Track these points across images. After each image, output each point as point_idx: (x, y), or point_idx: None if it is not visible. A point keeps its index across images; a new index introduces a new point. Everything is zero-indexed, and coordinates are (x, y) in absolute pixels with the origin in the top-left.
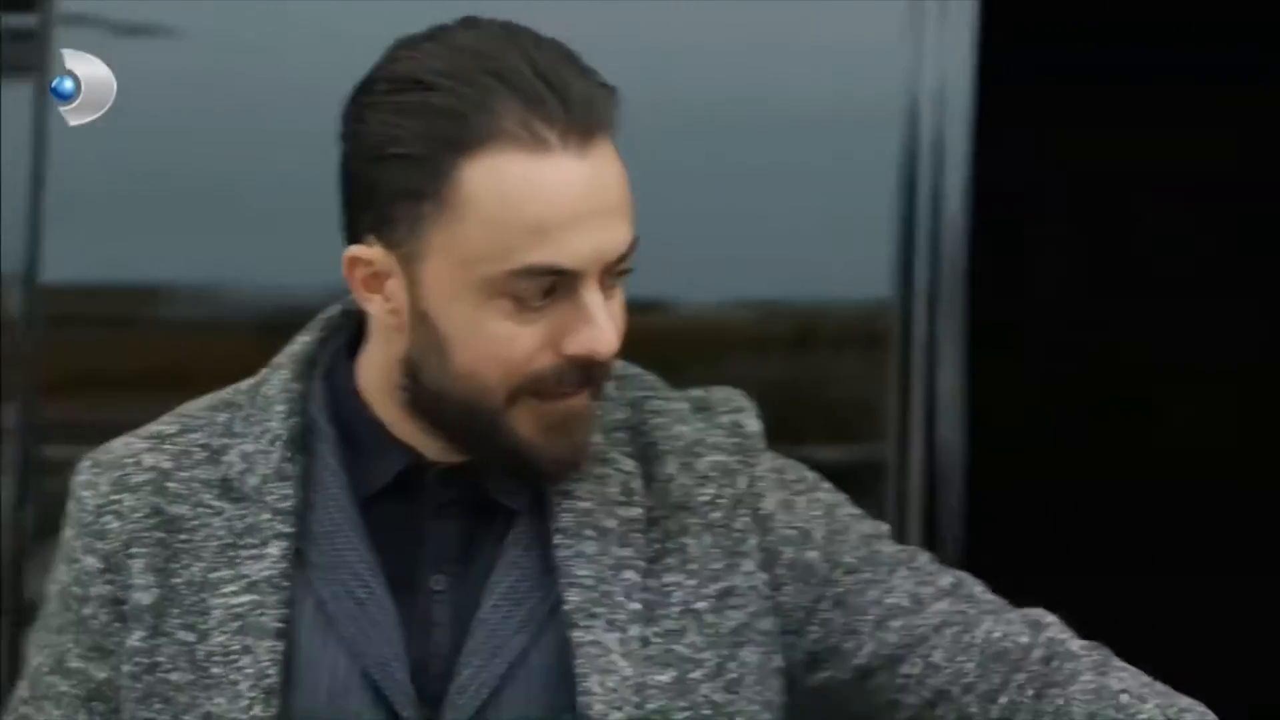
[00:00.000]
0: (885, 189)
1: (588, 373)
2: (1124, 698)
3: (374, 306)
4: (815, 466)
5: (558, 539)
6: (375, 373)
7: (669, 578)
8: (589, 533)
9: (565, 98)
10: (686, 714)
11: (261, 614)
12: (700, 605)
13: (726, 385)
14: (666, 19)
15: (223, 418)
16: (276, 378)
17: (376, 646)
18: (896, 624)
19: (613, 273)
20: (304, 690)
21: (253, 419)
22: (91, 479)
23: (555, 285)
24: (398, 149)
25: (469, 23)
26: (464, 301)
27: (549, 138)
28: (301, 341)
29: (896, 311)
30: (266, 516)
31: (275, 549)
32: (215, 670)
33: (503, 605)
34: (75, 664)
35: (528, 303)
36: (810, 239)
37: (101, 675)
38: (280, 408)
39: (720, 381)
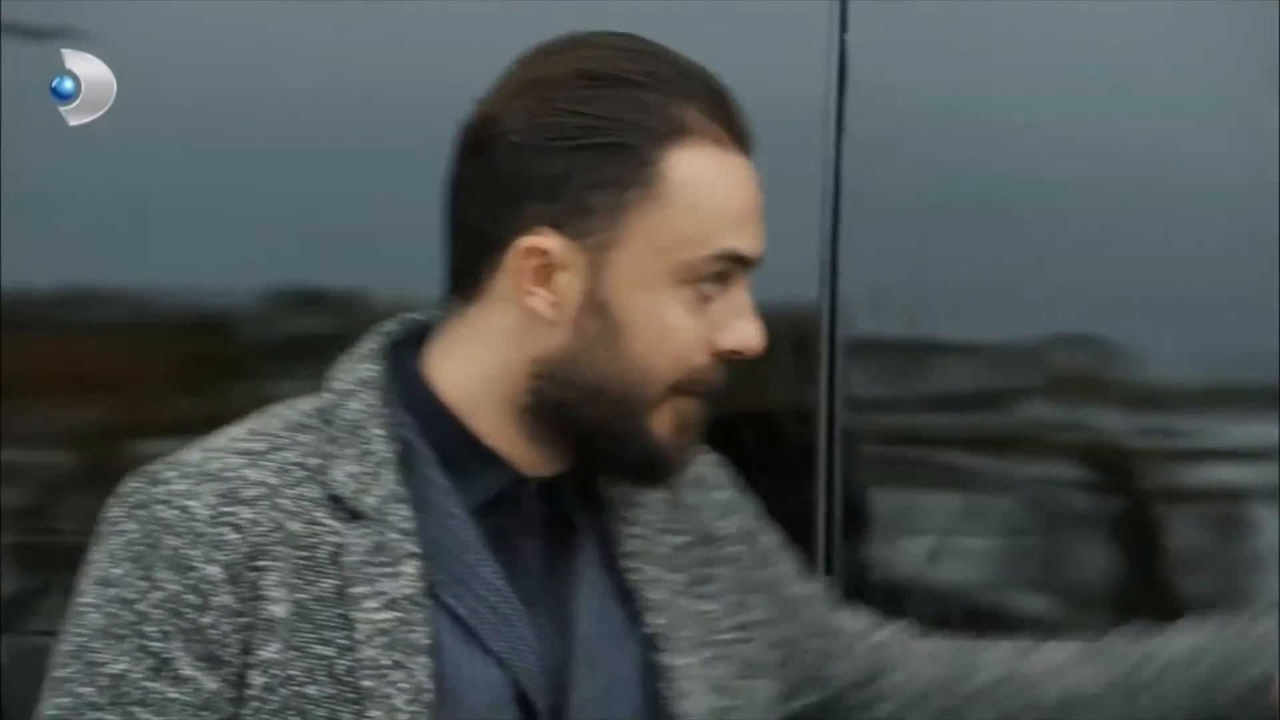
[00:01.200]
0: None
1: (724, 372)
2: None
3: (535, 300)
4: None
5: (628, 563)
6: (478, 382)
7: (707, 605)
8: (651, 557)
9: (732, 106)
10: None
11: (410, 631)
12: (727, 636)
13: None
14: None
15: (305, 439)
16: (357, 403)
17: (525, 659)
18: (861, 646)
19: None
20: (458, 705)
21: (341, 442)
22: (191, 489)
23: (726, 277)
24: (601, 139)
25: (603, 32)
26: (650, 290)
27: (729, 135)
28: (369, 368)
29: None
30: (394, 536)
31: (410, 568)
32: (366, 683)
33: (597, 623)
34: (187, 672)
35: (704, 293)
36: None
37: (213, 686)
38: (379, 432)
39: None
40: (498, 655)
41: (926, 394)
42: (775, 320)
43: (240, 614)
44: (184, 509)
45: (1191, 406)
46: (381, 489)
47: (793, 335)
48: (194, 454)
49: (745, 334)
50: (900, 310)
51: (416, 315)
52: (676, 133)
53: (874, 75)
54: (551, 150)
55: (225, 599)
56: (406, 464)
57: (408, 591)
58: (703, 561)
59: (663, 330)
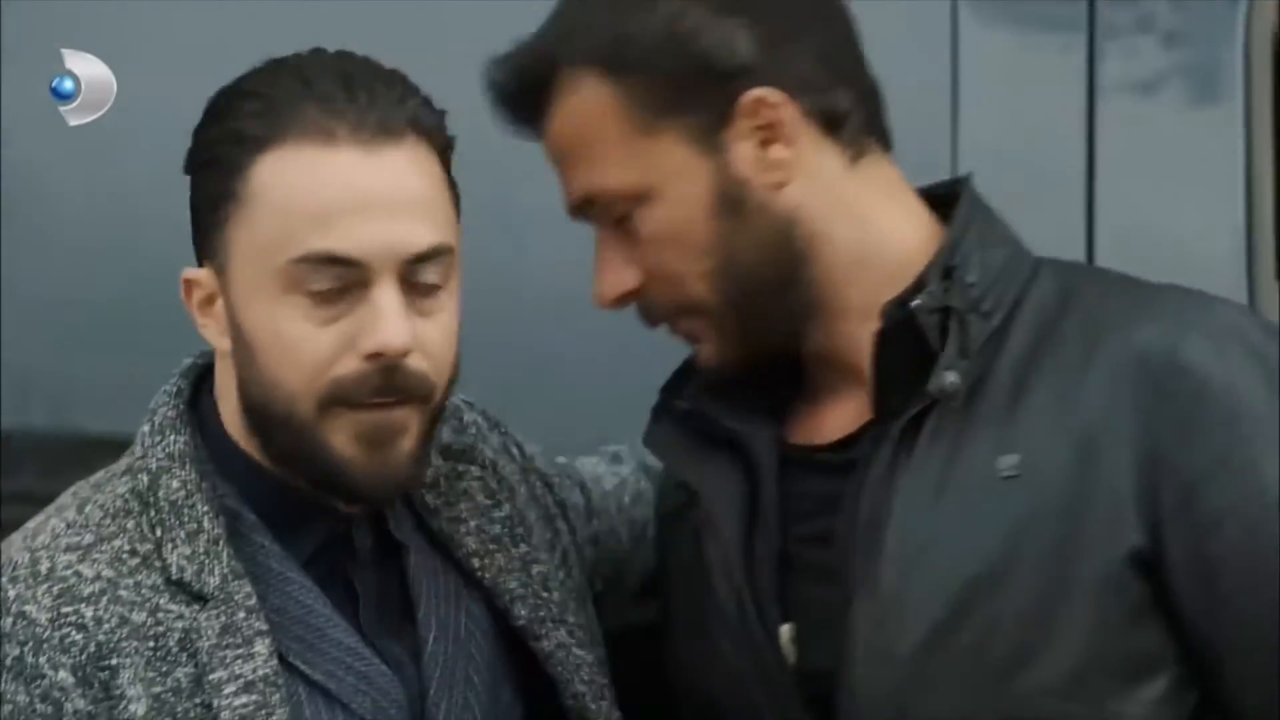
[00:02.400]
0: None
1: (389, 377)
2: None
3: (209, 331)
4: None
5: (475, 562)
6: (240, 432)
7: (538, 568)
8: (491, 546)
9: (360, 100)
10: (606, 680)
11: (269, 714)
12: (554, 582)
13: None
14: None
15: (130, 524)
16: (174, 480)
17: (389, 712)
18: None
19: (415, 276)
20: None
21: (168, 524)
22: (24, 593)
23: (347, 282)
24: (207, 155)
25: (311, 50)
26: (261, 299)
27: (337, 132)
28: (176, 441)
29: None
30: (241, 615)
31: (261, 646)
32: None
33: (441, 638)
34: None
35: (319, 298)
36: None
37: None
38: (204, 509)
39: None
40: (360, 715)
41: None
42: None
43: (95, 717)
44: (21, 614)
45: None
46: (221, 567)
47: None
48: (20, 555)
49: (379, 335)
50: (50, 404)
51: (193, 358)
52: (270, 139)
53: (26, 165)
54: (190, 178)
55: (79, 703)
56: (237, 535)
57: (263, 672)
58: (526, 524)
59: (282, 342)
